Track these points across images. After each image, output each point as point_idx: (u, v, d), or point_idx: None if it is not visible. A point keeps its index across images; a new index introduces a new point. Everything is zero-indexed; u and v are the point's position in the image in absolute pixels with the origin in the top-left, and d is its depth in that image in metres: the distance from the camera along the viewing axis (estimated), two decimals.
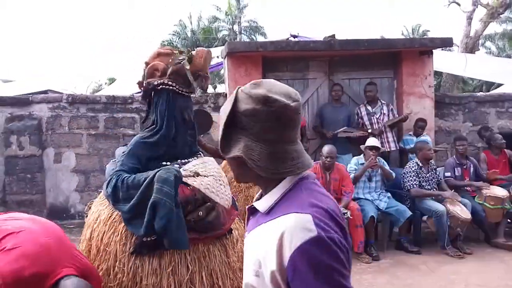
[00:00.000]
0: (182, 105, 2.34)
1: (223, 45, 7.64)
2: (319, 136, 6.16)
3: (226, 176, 2.58)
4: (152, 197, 2.08)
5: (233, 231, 2.38)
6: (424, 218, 4.96)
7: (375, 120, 5.84)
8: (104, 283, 2.16)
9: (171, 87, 2.30)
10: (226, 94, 6.46)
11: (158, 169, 2.18)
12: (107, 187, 2.24)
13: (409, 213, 4.76)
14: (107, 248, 2.21)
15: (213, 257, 2.23)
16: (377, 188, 5.05)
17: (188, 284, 2.14)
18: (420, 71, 6.39)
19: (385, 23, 50.95)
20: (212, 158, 2.53)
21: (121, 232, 2.21)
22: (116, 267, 2.16)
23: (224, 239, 2.31)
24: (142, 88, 2.42)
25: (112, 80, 16.61)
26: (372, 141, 5.08)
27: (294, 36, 8.74)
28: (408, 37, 22.69)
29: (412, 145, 5.76)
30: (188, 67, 2.30)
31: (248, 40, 24.20)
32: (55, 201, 6.43)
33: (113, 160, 2.62)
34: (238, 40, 23.26)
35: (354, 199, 4.81)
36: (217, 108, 6.62)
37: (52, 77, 10.22)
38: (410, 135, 6.02)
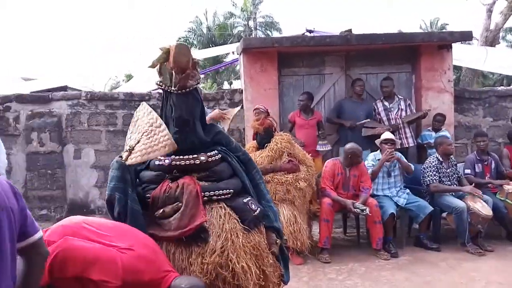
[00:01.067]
0: (174, 103, 2.32)
1: (239, 41, 7.64)
2: (335, 128, 6.12)
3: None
4: (106, 195, 2.30)
5: (211, 241, 2.19)
6: (444, 214, 4.89)
7: (393, 116, 5.77)
8: None
9: (160, 87, 2.35)
10: (241, 90, 6.46)
11: None
12: None
13: (430, 208, 4.70)
14: None
15: (172, 259, 2.17)
16: (397, 184, 4.99)
17: None
18: (439, 66, 6.28)
19: (403, 17, 50.20)
20: (141, 106, 2.42)
21: None
22: None
23: (193, 246, 2.19)
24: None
25: (129, 77, 16.78)
26: (386, 135, 5.03)
27: (310, 31, 8.69)
28: (426, 31, 22.32)
29: (430, 141, 5.68)
30: (157, 64, 2.29)
31: (263, 36, 24.17)
32: (75, 197, 6.55)
33: None
34: (253, 36, 23.23)
35: (373, 196, 4.76)
36: (232, 104, 6.63)
37: (71, 74, 10.35)
38: (429, 130, 5.94)
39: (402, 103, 5.85)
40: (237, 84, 21.66)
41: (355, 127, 5.69)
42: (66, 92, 7.22)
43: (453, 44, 6.26)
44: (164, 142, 2.21)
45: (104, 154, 6.48)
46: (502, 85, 15.48)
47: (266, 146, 4.53)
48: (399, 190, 4.96)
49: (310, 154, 4.88)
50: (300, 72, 6.42)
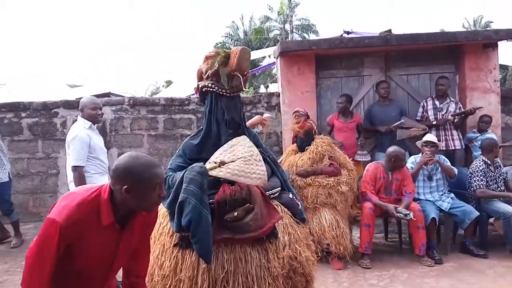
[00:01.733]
0: (226, 106, 2.37)
1: (275, 45, 7.68)
2: (373, 134, 6.02)
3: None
4: (180, 197, 2.19)
5: (280, 237, 2.33)
6: (491, 220, 4.69)
7: (441, 116, 5.60)
8: (153, 270, 2.32)
9: (211, 89, 2.37)
10: (279, 94, 6.47)
11: (186, 169, 2.28)
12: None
13: (476, 213, 4.52)
14: (159, 238, 2.38)
15: (250, 260, 2.22)
16: (439, 188, 4.83)
17: (223, 283, 2.16)
18: (484, 65, 6.06)
19: (445, 15, 48.66)
20: (243, 137, 2.44)
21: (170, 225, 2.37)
22: (163, 257, 2.31)
23: (267, 243, 2.28)
24: (196, 92, 2.53)
25: (169, 83, 17.20)
26: (428, 137, 4.88)
27: (348, 33, 8.60)
28: (470, 30, 21.52)
29: (476, 144, 5.48)
30: (216, 67, 2.32)
31: (299, 38, 24.09)
32: None
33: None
34: (289, 39, 23.20)
35: (414, 200, 4.63)
36: (269, 108, 6.66)
37: (114, 80, 10.74)
38: (474, 132, 5.73)
39: (453, 105, 5.68)
40: (273, 88, 21.69)
41: (391, 131, 5.56)
42: (110, 98, 7.50)
43: (499, 43, 6.01)
44: (259, 175, 2.33)
45: None
46: None
47: (307, 149, 4.51)
48: (442, 194, 4.80)
49: (351, 159, 4.81)
50: (338, 74, 6.36)
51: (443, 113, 5.62)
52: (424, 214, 4.47)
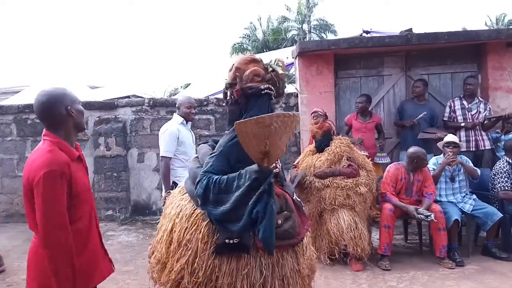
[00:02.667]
0: (272, 109, 2.37)
1: (292, 45, 7.65)
2: (398, 133, 5.95)
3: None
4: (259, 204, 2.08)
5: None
6: None
7: (470, 116, 5.49)
8: (181, 276, 2.26)
9: (272, 92, 2.35)
10: (297, 94, 6.46)
11: (243, 174, 2.15)
12: (196, 187, 2.25)
13: (499, 215, 4.42)
14: (188, 244, 2.28)
15: (285, 264, 2.26)
16: (462, 189, 4.74)
17: None
18: (507, 64, 5.95)
19: (467, 14, 47.73)
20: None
21: (203, 230, 2.26)
22: (195, 263, 2.23)
23: (296, 247, 2.33)
24: (235, 91, 2.36)
25: (187, 85, 17.33)
26: (450, 137, 4.79)
27: (367, 32, 8.51)
28: (493, 28, 21.05)
29: (499, 144, 5.37)
30: (280, 72, 2.36)
31: (317, 38, 23.98)
32: (138, 198, 6.87)
33: (195, 156, 2.66)
34: (307, 39, 23.13)
35: (436, 201, 4.56)
36: (288, 108, 6.66)
37: (135, 83, 10.89)
38: (497, 132, 5.61)
39: (482, 105, 5.56)
40: (291, 88, 21.63)
41: (414, 123, 5.49)
42: (130, 99, 7.61)
43: None
44: (290, 120, 2.12)
45: None
46: None
47: (325, 150, 4.48)
48: (464, 196, 4.71)
49: (370, 159, 4.77)
50: (357, 74, 6.31)
51: (472, 113, 5.51)
52: (446, 216, 4.40)
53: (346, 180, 4.30)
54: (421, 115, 5.46)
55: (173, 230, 2.38)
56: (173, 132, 4.02)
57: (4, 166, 6.96)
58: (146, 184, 6.85)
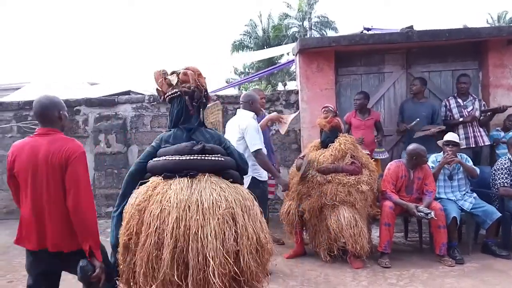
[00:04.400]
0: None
1: (293, 42, 7.64)
2: (395, 128, 5.94)
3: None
4: None
5: None
6: None
7: (466, 113, 5.49)
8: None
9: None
10: (297, 91, 6.45)
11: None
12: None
13: (497, 214, 4.42)
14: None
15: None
16: (461, 188, 4.74)
17: None
18: (508, 62, 5.93)
19: (468, 11, 47.62)
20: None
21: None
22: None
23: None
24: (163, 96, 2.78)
25: None
26: (449, 136, 4.78)
27: (368, 29, 8.48)
28: (494, 25, 21.01)
29: (500, 138, 5.37)
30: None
31: (318, 35, 23.94)
32: None
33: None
34: (308, 36, 23.09)
35: (435, 199, 4.56)
36: (288, 105, 6.65)
37: (135, 79, 10.88)
38: (498, 130, 5.61)
39: (477, 103, 5.56)
40: (291, 86, 21.61)
41: (408, 129, 5.47)
42: (130, 96, 7.59)
43: None
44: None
45: None
46: None
47: (329, 146, 4.49)
48: (464, 194, 4.71)
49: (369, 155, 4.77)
50: (358, 71, 6.30)
51: (468, 110, 5.50)
52: (445, 213, 4.40)
53: (348, 177, 4.30)
54: (414, 122, 5.42)
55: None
56: (256, 126, 4.09)
57: (4, 162, 6.95)
58: None
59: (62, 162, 2.29)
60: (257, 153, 3.97)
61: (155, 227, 2.22)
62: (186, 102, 2.63)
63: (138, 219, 2.30)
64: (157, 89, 2.77)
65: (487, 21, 25.65)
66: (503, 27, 8.70)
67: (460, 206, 4.59)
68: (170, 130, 2.64)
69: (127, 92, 9.37)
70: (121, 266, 2.38)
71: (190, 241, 2.17)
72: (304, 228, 4.64)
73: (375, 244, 4.60)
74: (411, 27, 6.02)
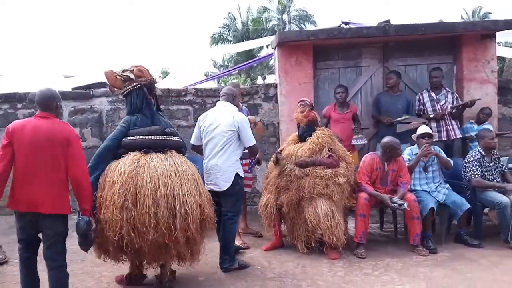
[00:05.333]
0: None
1: (273, 35, 7.63)
2: (376, 124, 6.01)
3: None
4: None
5: None
6: (486, 210, 4.71)
7: (439, 107, 5.60)
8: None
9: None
10: (276, 85, 6.45)
11: None
12: None
13: (467, 206, 4.53)
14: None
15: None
16: (435, 179, 4.84)
17: None
18: (481, 56, 6.06)
19: (444, 6, 48.45)
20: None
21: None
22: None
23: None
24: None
25: (165, 74, 17.12)
26: (423, 129, 4.87)
27: (346, 23, 8.54)
28: (469, 20, 21.45)
29: (472, 133, 5.49)
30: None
31: (297, 29, 23.97)
32: None
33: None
34: (287, 29, 23.09)
35: (411, 191, 4.65)
36: (267, 99, 6.63)
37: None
38: (471, 123, 5.74)
39: (450, 96, 5.67)
40: (270, 79, 21.62)
41: (393, 124, 5.55)
42: (106, 89, 7.42)
43: (497, 34, 6.00)
44: None
45: None
46: None
47: (307, 140, 4.51)
48: (438, 185, 4.81)
49: (348, 150, 4.82)
50: (336, 65, 6.34)
51: (441, 104, 5.61)
52: (422, 204, 4.49)
53: (325, 170, 4.34)
54: (402, 118, 5.51)
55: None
56: (247, 121, 4.11)
57: None
58: None
59: (63, 141, 2.88)
60: (253, 146, 4.08)
61: (150, 190, 3.10)
62: (145, 92, 3.47)
63: (131, 184, 3.11)
64: (109, 86, 3.57)
65: (462, 16, 26.18)
66: (477, 22, 8.87)
67: (434, 197, 4.69)
68: (134, 115, 3.50)
69: (103, 84, 9.18)
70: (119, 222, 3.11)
71: (175, 199, 3.15)
72: (282, 221, 4.67)
73: (351, 235, 4.66)
74: (388, 21, 6.08)
